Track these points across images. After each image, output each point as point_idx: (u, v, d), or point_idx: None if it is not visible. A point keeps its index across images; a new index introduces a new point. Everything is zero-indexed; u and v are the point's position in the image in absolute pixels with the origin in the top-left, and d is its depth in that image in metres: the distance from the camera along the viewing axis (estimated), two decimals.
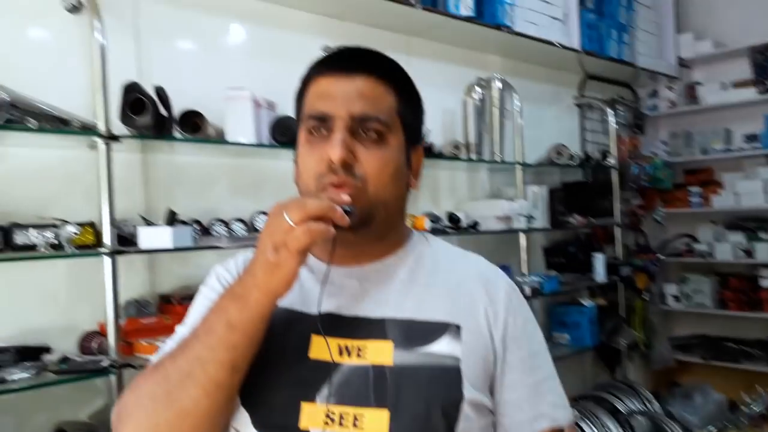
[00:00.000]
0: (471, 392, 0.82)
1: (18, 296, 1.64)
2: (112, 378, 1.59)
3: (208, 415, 0.76)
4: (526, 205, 2.79)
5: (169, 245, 1.65)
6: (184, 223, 1.85)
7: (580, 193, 3.27)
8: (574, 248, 3.25)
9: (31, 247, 1.52)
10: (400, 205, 0.92)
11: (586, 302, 3.12)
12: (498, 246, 2.94)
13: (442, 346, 0.84)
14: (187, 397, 0.74)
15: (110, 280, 1.60)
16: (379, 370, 0.81)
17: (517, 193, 2.85)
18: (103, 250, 1.59)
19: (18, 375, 1.40)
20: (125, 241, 1.71)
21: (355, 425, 0.79)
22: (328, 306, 0.85)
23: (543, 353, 0.94)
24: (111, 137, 1.61)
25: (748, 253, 3.64)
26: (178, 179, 1.97)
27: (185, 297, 1.83)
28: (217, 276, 0.94)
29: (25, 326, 1.63)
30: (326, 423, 0.79)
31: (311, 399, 0.80)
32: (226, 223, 1.96)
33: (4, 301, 1.61)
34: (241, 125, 1.88)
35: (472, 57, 2.93)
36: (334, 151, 0.81)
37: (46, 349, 1.56)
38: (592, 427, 2.67)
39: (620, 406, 2.95)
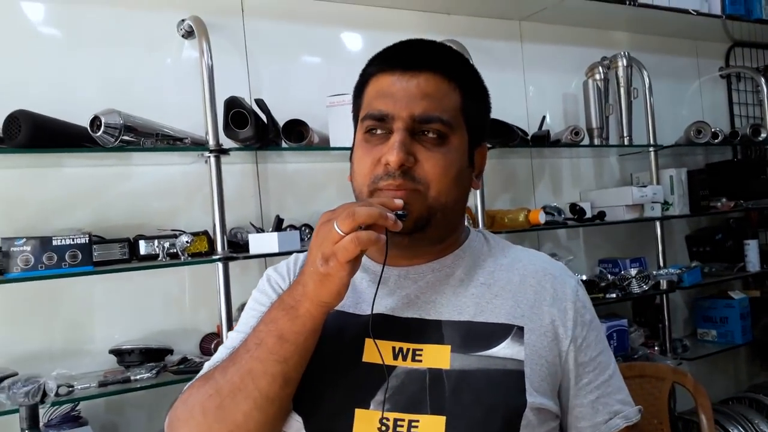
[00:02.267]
0: (535, 397, 0.78)
1: (145, 302, 1.80)
2: None
3: (261, 429, 0.76)
4: (660, 191, 2.55)
5: (276, 249, 1.72)
6: (294, 227, 1.92)
7: (727, 174, 2.93)
8: (721, 235, 2.92)
9: (154, 257, 1.65)
10: (461, 207, 0.89)
11: (736, 295, 2.79)
12: (630, 237, 2.72)
13: (504, 349, 0.79)
14: (238, 411, 0.74)
15: (223, 285, 1.69)
16: (436, 374, 0.78)
17: (651, 177, 2.62)
18: (215, 256, 1.70)
19: (141, 375, 1.54)
20: (239, 248, 1.81)
21: None
22: (382, 307, 0.83)
23: (607, 349, 0.89)
24: (220, 151, 1.70)
25: None
26: (289, 186, 2.04)
27: None
28: (269, 280, 0.94)
29: (152, 329, 1.78)
30: (380, 429, 0.77)
31: (365, 405, 0.78)
32: None
33: (133, 306, 1.78)
34: (344, 130, 1.90)
35: (593, 36, 2.72)
36: (392, 155, 0.78)
37: (169, 351, 1.69)
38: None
39: None
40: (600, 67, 2.56)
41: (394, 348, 0.80)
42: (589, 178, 2.72)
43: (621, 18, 2.65)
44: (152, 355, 1.63)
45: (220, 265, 1.69)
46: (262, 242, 1.74)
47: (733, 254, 2.85)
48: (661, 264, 2.57)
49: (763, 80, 3.09)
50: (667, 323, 2.56)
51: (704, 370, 2.80)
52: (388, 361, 0.80)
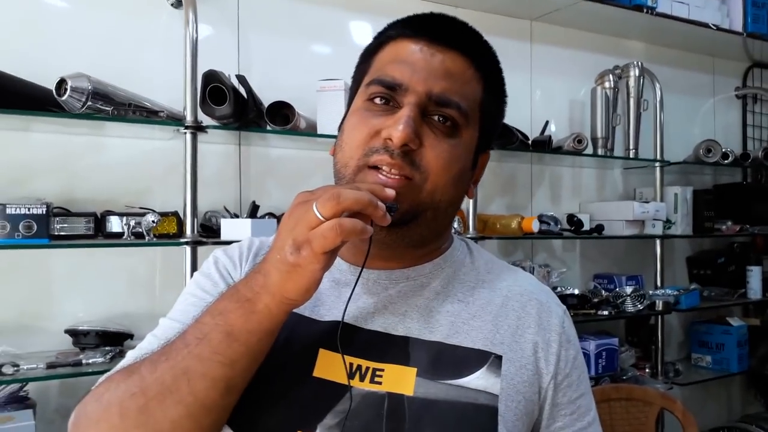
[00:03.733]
0: None
1: (110, 282, 1.70)
2: None
3: None
4: (663, 208, 2.44)
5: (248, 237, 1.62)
6: (273, 215, 1.82)
7: (735, 197, 2.82)
8: (724, 259, 2.81)
9: (120, 235, 1.56)
10: (452, 211, 0.77)
11: (735, 321, 2.68)
12: (628, 254, 2.62)
13: (477, 380, 0.68)
14: (165, 418, 0.61)
15: (189, 269, 1.60)
16: (395, 400, 0.67)
17: (655, 194, 2.51)
18: (182, 239, 1.60)
19: (94, 359, 1.44)
20: (212, 232, 1.72)
21: None
22: (341, 313, 0.70)
23: (589, 392, 0.77)
24: (197, 127, 1.60)
25: None
26: (272, 172, 1.94)
27: None
28: (216, 263, 0.81)
29: (115, 312, 1.68)
30: None
31: (311, 428, 0.66)
32: None
33: (97, 286, 1.68)
34: (334, 117, 1.81)
35: (606, 42, 2.61)
36: (397, 130, 0.67)
37: (129, 335, 1.60)
38: None
39: None
40: (611, 75, 2.46)
41: (351, 365, 0.69)
42: (591, 190, 2.62)
43: (637, 26, 2.54)
44: (110, 338, 1.54)
45: (187, 248, 1.60)
46: (234, 228, 1.64)
47: (735, 280, 2.75)
48: (659, 284, 2.47)
49: None
50: (660, 345, 2.46)
51: (696, 396, 2.69)
52: (343, 379, 0.68)
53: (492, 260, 0.83)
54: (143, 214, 1.55)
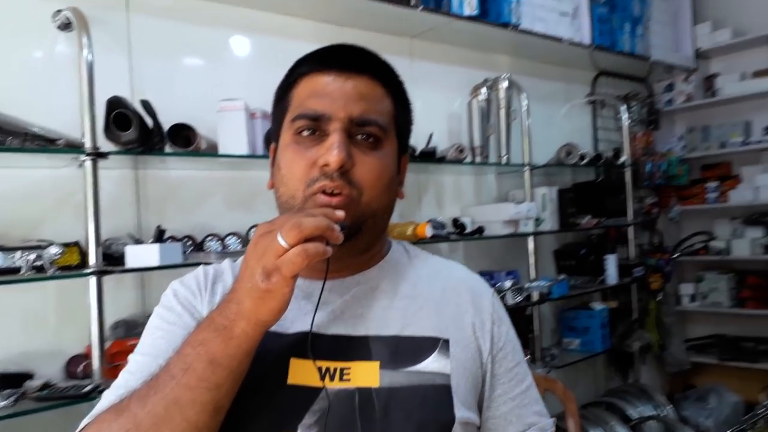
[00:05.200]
0: (462, 411, 0.77)
1: (4, 321, 1.61)
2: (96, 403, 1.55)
3: None
4: (534, 208, 2.71)
5: (156, 263, 1.61)
6: (175, 239, 1.81)
7: (591, 194, 3.18)
8: (585, 250, 3.16)
9: (14, 270, 1.48)
10: (388, 215, 0.86)
11: (597, 306, 3.03)
12: (506, 251, 2.87)
13: (431, 363, 0.78)
14: None
15: (95, 301, 1.55)
16: (365, 394, 0.75)
17: (526, 195, 2.78)
18: (87, 270, 1.55)
19: None
20: (114, 261, 1.68)
21: None
22: (306, 325, 0.78)
23: (524, 361, 0.90)
24: (97, 154, 1.56)
25: (767, 248, 3.54)
26: (171, 195, 1.92)
27: None
28: (176, 295, 0.85)
29: (9, 352, 1.59)
30: None
31: (292, 429, 0.73)
32: (220, 238, 1.92)
33: None
34: (235, 137, 1.83)
35: (478, 58, 2.84)
36: (332, 155, 0.75)
37: (29, 376, 1.53)
38: None
39: (632, 412, 2.89)
40: (484, 88, 2.68)
41: (320, 368, 0.76)
42: (470, 194, 2.83)
43: (503, 42, 2.78)
44: (9, 380, 1.46)
45: (93, 279, 1.55)
46: (140, 255, 1.62)
47: (595, 268, 3.09)
48: (533, 277, 2.73)
49: (622, 107, 3.39)
50: (538, 333, 2.72)
51: (569, 377, 3.00)
52: (315, 382, 0.76)
53: (427, 257, 0.94)
54: (43, 247, 1.49)
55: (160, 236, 1.68)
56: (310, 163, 0.77)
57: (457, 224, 2.48)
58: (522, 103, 2.78)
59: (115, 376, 1.60)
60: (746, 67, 3.75)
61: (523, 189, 2.79)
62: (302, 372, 0.76)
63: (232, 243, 1.95)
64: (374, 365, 0.77)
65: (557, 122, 3.30)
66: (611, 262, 3.05)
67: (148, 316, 1.80)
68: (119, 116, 1.54)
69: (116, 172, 1.80)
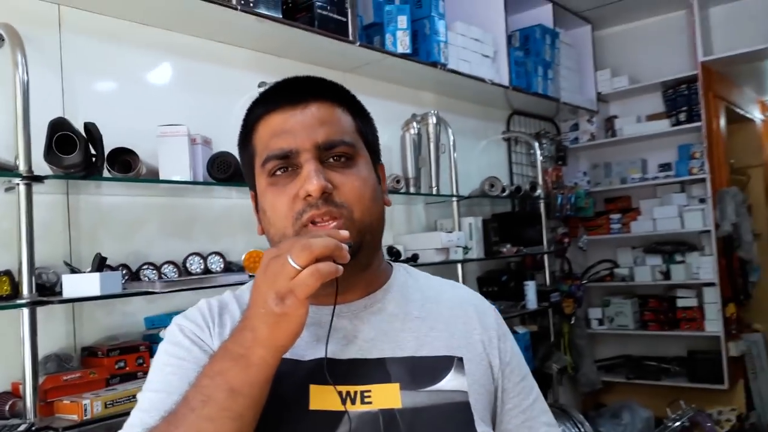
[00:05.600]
0: (482, 427, 0.79)
1: None
2: None
3: None
4: (463, 236, 2.81)
5: (97, 292, 1.53)
6: (111, 268, 1.73)
7: (510, 224, 3.35)
8: (506, 277, 3.31)
9: None
10: (382, 226, 0.87)
11: (520, 329, 3.16)
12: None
13: (450, 382, 0.80)
14: None
15: (28, 334, 1.45)
16: (389, 415, 0.76)
17: (454, 224, 2.88)
18: (21, 301, 1.45)
19: None
20: (45, 290, 1.58)
21: None
22: (320, 351, 0.77)
23: (529, 374, 0.92)
24: (32, 178, 1.48)
25: (665, 274, 3.85)
26: (105, 222, 1.84)
27: (112, 349, 1.69)
28: (182, 330, 0.82)
29: None
30: None
31: None
32: (156, 267, 1.86)
33: None
34: (177, 162, 1.79)
35: (407, 93, 2.95)
36: (311, 184, 0.75)
37: None
38: None
39: None
40: (414, 123, 2.78)
41: (341, 393, 0.76)
42: (401, 223, 2.90)
43: (430, 79, 2.91)
44: None
45: (26, 311, 1.45)
46: (79, 284, 1.54)
47: (516, 293, 3.24)
48: None
49: (536, 144, 3.62)
50: None
51: None
52: (337, 406, 0.75)
53: (428, 277, 0.96)
54: None
55: (101, 265, 1.60)
56: (292, 198, 0.78)
57: (393, 251, 2.53)
58: (450, 138, 2.90)
59: (50, 413, 1.52)
60: (641, 110, 4.13)
61: (451, 218, 2.89)
62: (323, 397, 0.76)
63: (169, 272, 1.89)
64: (394, 387, 0.78)
65: (476, 156, 3.46)
66: (531, 288, 3.21)
67: (81, 349, 1.72)
68: (60, 139, 1.47)
69: (48, 197, 1.70)
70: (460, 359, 0.82)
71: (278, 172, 0.80)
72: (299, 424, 0.75)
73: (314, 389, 0.77)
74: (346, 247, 0.69)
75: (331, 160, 0.80)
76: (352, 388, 0.77)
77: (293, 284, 0.64)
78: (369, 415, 0.76)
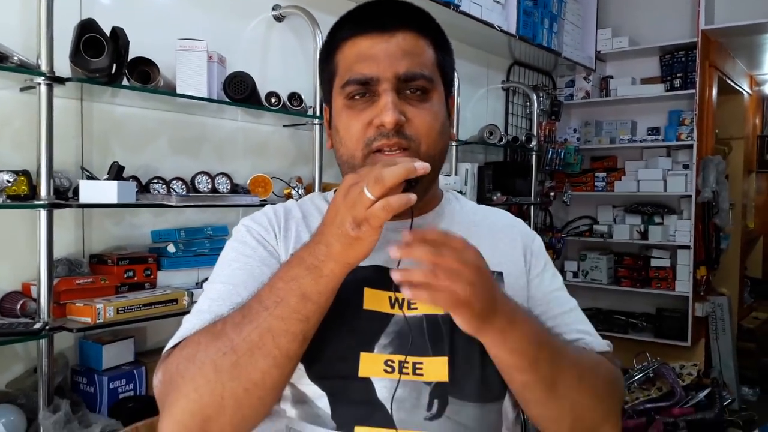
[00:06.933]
0: None
1: None
2: (42, 342, 1.46)
3: (276, 387, 0.75)
4: (459, 181, 2.85)
5: (114, 200, 1.53)
6: (123, 179, 1.72)
7: (503, 173, 3.39)
8: None
9: None
10: (444, 158, 0.92)
11: None
12: None
13: None
14: (256, 369, 0.72)
15: (45, 236, 1.46)
16: (432, 320, 0.83)
17: (452, 169, 2.91)
18: (38, 202, 1.45)
19: None
20: (59, 194, 1.57)
21: (415, 372, 0.81)
22: (376, 260, 0.83)
23: (565, 291, 0.98)
24: (54, 78, 1.46)
25: (643, 234, 3.97)
26: (116, 131, 1.82)
27: (122, 258, 1.71)
28: (250, 231, 0.90)
29: None
30: (386, 371, 0.81)
31: (370, 349, 0.82)
32: (165, 182, 1.86)
33: None
34: (195, 78, 1.77)
35: None
36: (387, 116, 0.80)
37: None
38: None
39: None
40: None
41: (390, 297, 0.84)
42: None
43: (441, 22, 2.85)
44: None
45: (43, 212, 1.45)
46: (96, 190, 1.54)
47: None
48: None
49: (534, 96, 3.64)
50: None
51: None
52: (387, 309, 0.83)
53: (474, 204, 1.04)
54: None
55: (119, 173, 1.60)
56: (366, 124, 0.83)
57: None
58: (456, 81, 2.89)
59: (61, 314, 1.54)
60: (637, 73, 4.16)
61: (450, 163, 2.92)
62: (375, 300, 0.84)
63: (177, 188, 1.89)
64: None
65: (474, 104, 3.47)
66: None
67: (90, 256, 1.73)
68: (86, 42, 1.44)
69: (62, 101, 1.67)
70: (500, 273, 0.90)
71: (356, 96, 0.85)
72: (354, 320, 0.83)
73: (368, 292, 0.85)
74: (420, 164, 0.70)
75: (408, 92, 0.84)
76: (401, 295, 0.82)
77: (368, 213, 0.68)
78: (415, 319, 0.84)
